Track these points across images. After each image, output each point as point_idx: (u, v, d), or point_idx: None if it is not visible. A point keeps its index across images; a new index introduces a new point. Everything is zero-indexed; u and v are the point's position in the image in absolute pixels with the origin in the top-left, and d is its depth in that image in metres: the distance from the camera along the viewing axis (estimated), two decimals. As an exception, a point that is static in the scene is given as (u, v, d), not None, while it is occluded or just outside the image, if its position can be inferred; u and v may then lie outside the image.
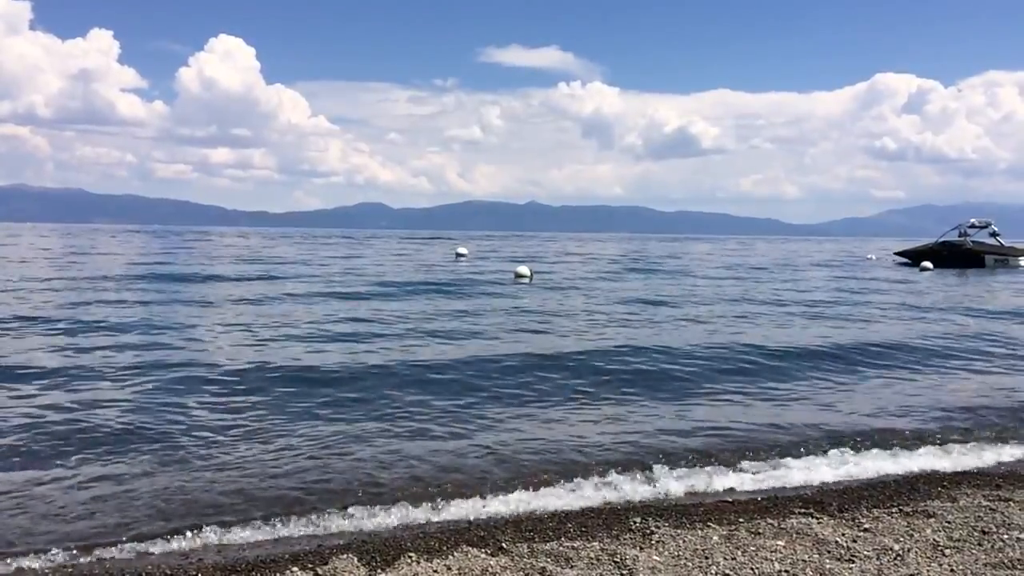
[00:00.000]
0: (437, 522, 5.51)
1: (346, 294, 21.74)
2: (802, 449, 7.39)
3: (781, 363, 11.92)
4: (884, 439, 7.75)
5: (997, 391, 10.33)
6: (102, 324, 14.47)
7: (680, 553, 4.71)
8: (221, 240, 78.79)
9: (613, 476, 6.47)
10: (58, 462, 6.60)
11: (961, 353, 13.36)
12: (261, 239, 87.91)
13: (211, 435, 7.45)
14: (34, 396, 8.85)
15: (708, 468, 6.74)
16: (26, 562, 4.82)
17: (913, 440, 7.78)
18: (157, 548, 5.07)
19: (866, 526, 5.21)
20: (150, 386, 9.42)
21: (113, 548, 5.04)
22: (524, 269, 30.21)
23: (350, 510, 5.67)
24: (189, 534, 5.25)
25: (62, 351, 11.75)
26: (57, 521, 5.45)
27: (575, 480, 6.37)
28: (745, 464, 6.87)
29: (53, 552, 4.94)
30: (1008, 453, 7.44)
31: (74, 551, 4.97)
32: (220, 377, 9.98)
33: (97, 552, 4.98)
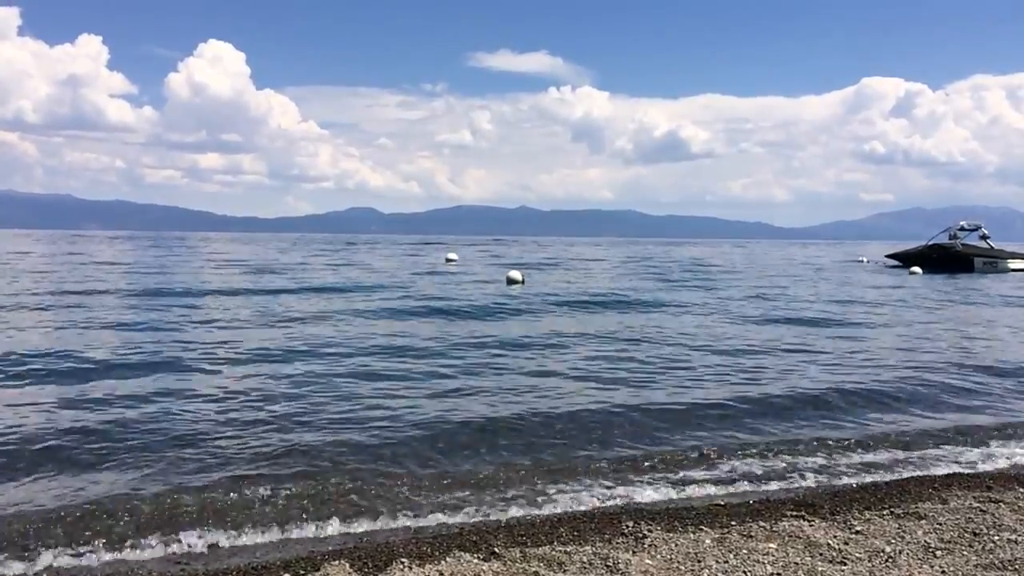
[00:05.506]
0: (429, 527, 5.49)
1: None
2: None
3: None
4: None
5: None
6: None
7: (672, 557, 4.70)
8: (207, 246, 76.81)
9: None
10: (39, 471, 6.55)
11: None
12: (254, 246, 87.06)
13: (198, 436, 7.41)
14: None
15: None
16: (13, 565, 4.79)
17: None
18: (145, 555, 5.03)
19: (858, 528, 5.22)
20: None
21: (97, 554, 5.00)
22: (516, 274, 30.15)
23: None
24: (177, 540, 5.21)
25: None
26: (46, 524, 5.41)
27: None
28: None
29: (40, 553, 4.91)
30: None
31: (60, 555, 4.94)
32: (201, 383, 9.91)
33: (83, 558, 4.95)
